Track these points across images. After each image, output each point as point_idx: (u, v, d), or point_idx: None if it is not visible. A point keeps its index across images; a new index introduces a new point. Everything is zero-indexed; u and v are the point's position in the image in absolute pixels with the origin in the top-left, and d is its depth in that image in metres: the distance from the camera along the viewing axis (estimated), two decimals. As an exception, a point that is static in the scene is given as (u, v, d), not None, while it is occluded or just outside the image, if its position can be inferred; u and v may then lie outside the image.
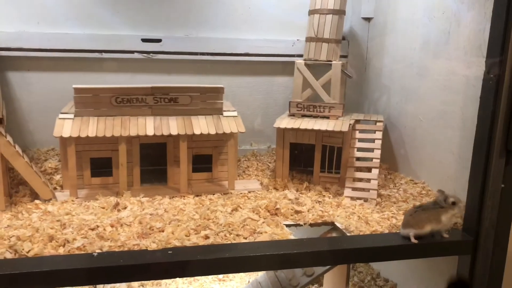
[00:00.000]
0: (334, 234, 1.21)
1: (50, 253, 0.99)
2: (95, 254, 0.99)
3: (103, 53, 1.63)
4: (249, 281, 1.56)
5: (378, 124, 1.56)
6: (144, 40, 1.65)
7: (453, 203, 1.12)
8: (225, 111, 1.49)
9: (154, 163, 1.48)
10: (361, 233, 1.15)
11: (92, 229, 1.10)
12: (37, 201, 1.27)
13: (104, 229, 1.11)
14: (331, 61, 1.59)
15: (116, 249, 1.02)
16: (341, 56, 1.71)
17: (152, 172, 1.48)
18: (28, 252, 0.99)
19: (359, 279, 1.71)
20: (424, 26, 1.46)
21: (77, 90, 1.36)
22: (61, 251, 1.01)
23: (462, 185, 1.21)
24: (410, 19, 1.54)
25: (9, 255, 0.98)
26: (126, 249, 1.02)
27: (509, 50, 1.03)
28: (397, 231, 1.16)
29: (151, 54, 1.67)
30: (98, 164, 1.41)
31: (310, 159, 1.54)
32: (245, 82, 1.81)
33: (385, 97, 1.72)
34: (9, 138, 1.26)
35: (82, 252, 1.00)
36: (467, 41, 1.25)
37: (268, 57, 1.78)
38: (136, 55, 1.66)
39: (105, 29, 1.62)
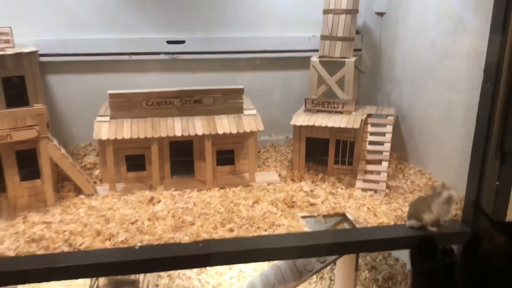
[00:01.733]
0: (345, 224, 1.35)
1: (98, 247, 1.16)
2: (137, 247, 1.15)
3: (132, 56, 1.77)
4: (269, 264, 1.73)
5: (389, 118, 1.67)
6: (169, 42, 1.78)
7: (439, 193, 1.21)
8: (245, 109, 1.62)
9: (182, 155, 1.63)
10: (369, 225, 1.29)
11: (132, 223, 1.27)
12: (81, 196, 1.45)
13: (143, 223, 1.27)
14: (344, 58, 1.69)
15: (154, 242, 1.18)
16: (355, 50, 1.80)
17: (181, 163, 1.63)
18: (80, 246, 1.17)
19: (371, 258, 1.85)
20: (432, 26, 1.54)
21: (111, 95, 1.51)
22: (107, 244, 1.18)
23: (465, 179, 1.33)
24: (420, 18, 1.62)
25: (65, 248, 1.15)
26: (162, 242, 1.18)
27: (504, 61, 1.13)
28: (402, 223, 1.29)
29: (175, 54, 1.80)
30: (132, 160, 1.57)
31: (325, 150, 1.67)
32: (264, 77, 1.93)
33: (397, 90, 1.81)
34: (55, 142, 1.43)
35: (126, 246, 1.16)
36: (471, 45, 1.33)
37: (285, 53, 1.89)
38: (162, 56, 1.79)
39: (133, 34, 1.75)
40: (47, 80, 1.75)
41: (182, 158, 1.63)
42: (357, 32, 1.90)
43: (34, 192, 1.46)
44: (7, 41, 1.38)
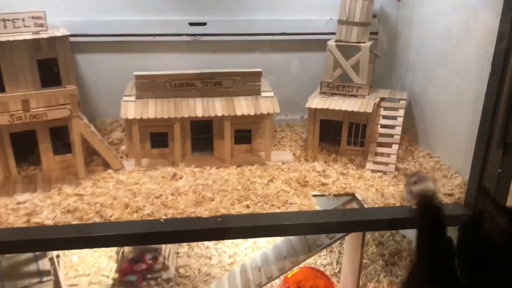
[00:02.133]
0: (354, 204, 1.44)
1: (127, 219, 1.28)
2: (162, 220, 1.27)
3: (156, 36, 1.85)
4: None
5: (401, 102, 1.73)
6: (191, 24, 1.85)
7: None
8: (262, 91, 1.69)
9: (202, 132, 1.72)
10: (376, 205, 1.38)
11: (157, 197, 1.38)
12: (109, 171, 1.56)
13: (166, 198, 1.38)
14: (360, 42, 1.74)
15: (177, 216, 1.29)
16: (372, 33, 1.85)
17: (201, 140, 1.73)
18: (110, 217, 1.29)
19: (379, 234, 1.95)
20: (447, 14, 1.58)
21: (137, 77, 1.60)
22: (135, 216, 1.30)
23: (470, 164, 1.40)
24: (435, 5, 1.66)
25: (97, 219, 1.27)
26: (185, 215, 1.30)
27: (511, 55, 1.18)
28: (407, 204, 1.38)
29: (197, 36, 1.87)
30: (156, 137, 1.67)
31: (339, 131, 1.74)
32: (282, 58, 1.99)
33: (411, 74, 1.87)
34: (85, 119, 1.54)
35: (152, 218, 1.28)
36: (482, 36, 1.38)
37: (303, 35, 1.94)
38: (184, 38, 1.86)
39: (157, 15, 1.83)
40: (75, 59, 1.85)
41: (202, 135, 1.73)
42: (374, 16, 1.94)
43: (66, 165, 1.59)
44: (41, 25, 1.47)
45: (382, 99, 1.74)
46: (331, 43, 1.77)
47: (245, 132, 1.73)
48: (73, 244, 1.22)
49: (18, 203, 1.35)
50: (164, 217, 1.28)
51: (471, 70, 1.45)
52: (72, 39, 1.75)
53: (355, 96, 1.73)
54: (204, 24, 1.86)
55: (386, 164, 1.61)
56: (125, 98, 1.61)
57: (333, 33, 1.83)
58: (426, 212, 1.14)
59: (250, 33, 1.90)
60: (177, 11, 1.84)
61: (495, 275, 0.91)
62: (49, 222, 1.25)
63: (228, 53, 1.94)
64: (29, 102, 1.41)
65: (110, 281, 1.66)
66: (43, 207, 1.32)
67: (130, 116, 1.55)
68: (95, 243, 1.22)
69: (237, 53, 1.94)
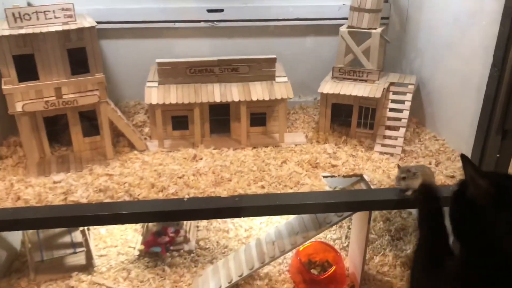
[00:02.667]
0: (361, 184, 1.55)
1: (153, 197, 1.41)
2: (185, 199, 1.40)
3: (175, 23, 1.94)
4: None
5: (409, 87, 1.81)
6: (208, 11, 1.93)
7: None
8: (277, 77, 1.79)
9: (220, 114, 1.82)
10: (382, 187, 1.49)
11: (180, 177, 1.51)
12: (135, 152, 1.69)
13: (188, 178, 1.50)
14: (371, 29, 1.81)
15: (199, 195, 1.41)
16: (383, 18, 1.92)
17: (219, 121, 1.83)
18: (138, 196, 1.42)
19: (386, 211, 2.07)
20: (455, 3, 1.64)
21: (159, 64, 1.70)
22: (160, 195, 1.42)
23: (472, 148, 1.50)
24: (445, -8, 1.72)
25: (126, 198, 1.41)
26: (205, 195, 1.42)
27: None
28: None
29: (214, 22, 1.96)
30: (177, 120, 1.78)
31: (350, 114, 1.83)
32: (295, 42, 2.07)
33: (420, 58, 1.93)
34: (112, 105, 1.66)
35: (176, 197, 1.41)
36: (487, 27, 1.44)
37: (316, 21, 2.02)
38: (202, 24, 1.95)
39: (176, 3, 1.91)
40: (100, 45, 1.95)
41: (220, 116, 1.83)
42: (386, 1, 2.00)
43: (94, 146, 1.71)
44: (70, 16, 1.57)
45: (392, 84, 1.82)
46: (343, 29, 1.84)
47: (260, 115, 1.83)
48: (106, 221, 1.36)
49: (54, 182, 1.49)
50: (187, 196, 1.41)
51: (476, 59, 1.52)
52: (97, 26, 1.87)
53: (365, 81, 1.81)
54: (221, 10, 1.94)
55: (394, 146, 1.71)
56: (148, 84, 1.72)
57: (346, 18, 1.90)
58: (425, 202, 1.23)
59: (265, 19, 1.98)
60: (195, -2, 1.93)
61: (481, 236, 0.99)
62: (84, 200, 1.38)
63: (244, 38, 2.03)
64: (61, 90, 1.53)
65: (137, 252, 1.81)
66: (77, 186, 1.45)
67: (154, 102, 1.66)
68: (126, 220, 1.36)
69: (253, 37, 2.03)
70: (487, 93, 1.34)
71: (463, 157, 1.00)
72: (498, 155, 1.37)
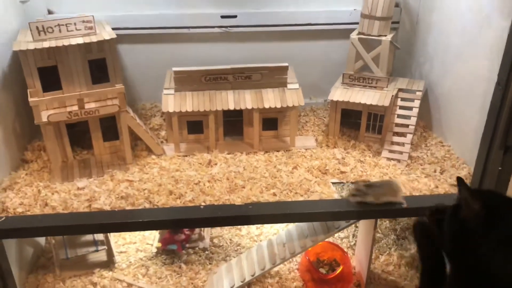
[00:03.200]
0: (369, 191, 1.63)
1: (172, 204, 1.50)
2: (202, 206, 1.48)
3: (190, 29, 2.00)
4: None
5: (417, 93, 1.86)
6: (222, 17, 1.99)
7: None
8: (289, 83, 1.85)
9: (233, 116, 1.90)
10: (388, 194, 1.56)
11: (196, 184, 1.59)
12: (153, 156, 1.77)
13: (204, 184, 1.59)
14: (381, 36, 1.86)
15: (214, 202, 1.50)
16: (393, 22, 1.96)
17: (232, 123, 1.90)
18: (157, 203, 1.51)
19: (393, 210, 2.14)
20: (462, 15, 1.68)
21: (176, 72, 1.77)
22: (178, 202, 1.51)
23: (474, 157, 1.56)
24: (453, 4, 1.74)
25: (147, 205, 1.50)
26: (221, 202, 1.50)
27: (517, 67, 1.30)
28: (416, 194, 1.56)
29: (228, 27, 2.01)
30: (192, 124, 1.86)
31: (359, 115, 1.89)
32: (307, 46, 2.12)
33: (429, 64, 1.98)
34: (131, 113, 1.74)
35: (192, 204, 1.50)
36: (494, 41, 1.48)
37: (328, 25, 2.06)
38: (216, 29, 2.01)
39: (191, 9, 1.97)
40: (117, 50, 2.02)
41: (233, 118, 1.90)
42: (397, 5, 2.04)
43: (114, 150, 1.80)
44: (90, 28, 1.63)
45: (400, 90, 1.88)
46: (354, 36, 1.88)
47: (272, 119, 1.90)
48: (129, 228, 1.46)
49: (78, 188, 1.58)
50: (203, 204, 1.50)
51: (482, 70, 1.56)
52: (114, 31, 1.94)
53: (375, 87, 1.87)
54: (234, 16, 1.99)
55: (400, 152, 1.77)
56: (165, 92, 1.80)
57: (356, 23, 1.94)
58: (421, 240, 1.29)
59: (277, 24, 2.03)
60: (209, 5, 1.98)
61: (470, 256, 1.06)
62: (107, 208, 1.48)
63: (257, 43, 2.08)
64: (83, 101, 1.61)
65: (154, 249, 1.92)
66: (100, 193, 1.55)
67: (171, 110, 1.74)
68: (147, 227, 1.46)
69: (265, 42, 2.08)
70: (491, 110, 1.39)
71: (459, 179, 1.08)
72: (500, 168, 1.43)
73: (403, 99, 1.86)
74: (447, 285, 1.09)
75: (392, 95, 1.82)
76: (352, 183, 1.55)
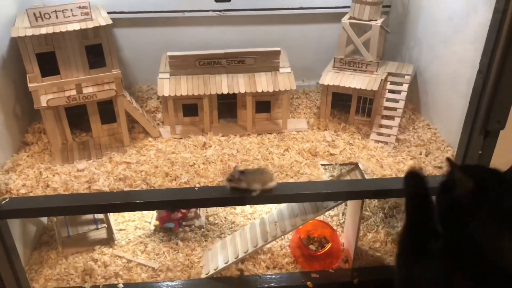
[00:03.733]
0: (356, 172, 1.70)
1: (168, 186, 1.57)
2: (196, 188, 1.56)
3: (185, 13, 2.03)
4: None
5: (406, 77, 1.91)
6: (216, 1, 2.02)
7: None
8: (281, 67, 1.90)
9: (227, 98, 1.94)
10: (374, 176, 1.64)
11: (191, 166, 1.66)
12: (150, 139, 1.84)
13: (199, 166, 1.66)
14: (372, 20, 1.90)
15: (208, 184, 1.58)
16: (385, 6, 2.00)
17: (226, 105, 1.96)
18: (154, 184, 1.58)
19: (382, 189, 2.22)
20: (450, 2, 1.72)
21: (171, 57, 1.82)
22: (174, 184, 1.58)
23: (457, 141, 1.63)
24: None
25: (144, 187, 1.57)
26: (214, 184, 1.58)
27: (496, 53, 1.35)
28: (401, 176, 1.63)
29: (222, 11, 2.05)
30: (187, 107, 1.92)
31: (350, 98, 1.94)
32: (300, 29, 2.16)
33: (418, 48, 2.02)
34: (128, 97, 1.79)
35: (188, 186, 1.57)
36: (479, 28, 1.53)
37: (320, 9, 2.09)
38: (210, 13, 2.05)
39: (186, -7, 2.00)
40: (114, 33, 2.06)
41: (227, 100, 1.96)
42: (388, -11, 2.07)
43: (112, 132, 1.86)
44: (86, 13, 1.67)
45: (390, 74, 1.93)
46: (345, 20, 1.92)
47: (265, 102, 1.95)
48: (127, 208, 1.53)
49: (78, 170, 1.65)
50: (198, 185, 1.57)
51: (466, 58, 1.61)
52: (111, 15, 1.97)
53: (365, 71, 1.92)
54: (228, 0, 2.02)
55: (388, 135, 1.84)
56: (160, 76, 1.85)
57: (348, 7, 1.98)
58: (412, 186, 1.35)
59: (271, 8, 2.06)
60: (204, -11, 2.01)
61: (464, 230, 1.14)
62: (106, 189, 1.55)
63: (250, 26, 2.12)
64: (81, 86, 1.67)
65: (152, 227, 2.00)
66: (99, 174, 1.62)
67: (166, 94, 1.79)
68: (145, 207, 1.54)
69: (259, 25, 2.12)
70: (472, 96, 1.45)
71: (448, 160, 1.15)
72: (480, 152, 1.50)
73: (392, 83, 1.91)
74: (439, 251, 1.16)
75: (382, 79, 1.87)
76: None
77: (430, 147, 1.78)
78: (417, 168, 1.41)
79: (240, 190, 1.50)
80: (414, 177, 1.37)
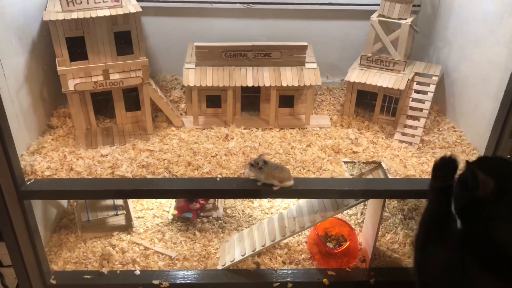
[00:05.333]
0: (379, 171, 1.68)
1: (190, 175, 1.58)
2: (218, 179, 1.56)
3: (213, 4, 2.03)
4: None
5: (433, 78, 1.89)
6: (244, -7, 2.02)
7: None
8: (307, 62, 1.88)
9: (251, 91, 1.94)
10: (398, 176, 1.61)
11: (213, 157, 1.66)
12: (173, 128, 1.84)
13: (221, 157, 1.66)
14: (401, 19, 1.87)
15: (230, 175, 1.58)
16: (415, 6, 1.97)
17: (249, 98, 1.95)
18: (176, 173, 1.59)
19: (402, 190, 2.20)
20: (485, 1, 1.68)
21: (198, 47, 1.82)
22: (196, 173, 1.59)
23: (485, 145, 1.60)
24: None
25: (166, 175, 1.58)
26: (236, 175, 1.58)
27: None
28: (426, 177, 1.61)
29: (250, 4, 2.04)
30: (211, 98, 1.92)
31: (375, 96, 1.92)
32: (326, 25, 2.14)
33: (447, 49, 1.99)
34: (153, 85, 1.80)
35: (210, 176, 1.57)
36: (512, 32, 1.51)
37: (348, 6, 2.07)
38: (238, 5, 2.04)
39: (214, -15, 2.00)
40: (143, 21, 2.06)
41: (250, 93, 1.95)
42: (418, -12, 2.04)
43: (135, 120, 1.87)
44: (117, 0, 1.68)
45: (416, 74, 1.90)
46: (374, 18, 1.90)
47: (289, 97, 1.94)
48: (149, 195, 1.54)
49: (101, 155, 1.66)
50: (220, 176, 1.57)
51: (499, 60, 1.59)
52: (140, 4, 1.98)
53: (392, 70, 1.89)
54: (256, -7, 2.02)
55: (413, 136, 1.82)
56: (186, 66, 1.85)
57: (377, 4, 1.95)
58: (442, 173, 1.34)
59: (299, 3, 2.05)
60: (233, -19, 2.01)
61: (481, 226, 1.13)
62: (129, 175, 1.56)
63: (277, 20, 2.11)
64: (108, 72, 1.68)
65: (170, 216, 2.01)
66: (123, 161, 1.63)
67: (191, 84, 1.79)
68: (166, 195, 1.55)
69: (286, 20, 2.11)
70: (504, 98, 1.43)
71: (467, 162, 1.15)
72: (508, 156, 1.47)
73: (419, 83, 1.89)
74: (455, 236, 1.19)
75: (408, 79, 1.84)
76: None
77: (455, 150, 1.76)
78: (449, 157, 1.38)
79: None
80: (444, 167, 1.35)
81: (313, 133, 1.85)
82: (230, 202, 2.12)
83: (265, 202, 2.14)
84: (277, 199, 2.13)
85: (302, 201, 1.87)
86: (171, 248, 1.87)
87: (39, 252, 1.61)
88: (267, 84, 1.81)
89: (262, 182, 1.51)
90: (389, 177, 1.61)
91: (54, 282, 1.70)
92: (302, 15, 2.10)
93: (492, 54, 1.64)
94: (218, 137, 1.80)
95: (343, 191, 1.54)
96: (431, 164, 1.64)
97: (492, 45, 1.64)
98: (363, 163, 1.71)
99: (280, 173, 1.51)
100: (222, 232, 1.96)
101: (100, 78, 1.71)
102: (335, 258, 1.84)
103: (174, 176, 1.57)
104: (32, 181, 1.51)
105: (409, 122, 1.85)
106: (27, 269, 1.61)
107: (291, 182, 1.53)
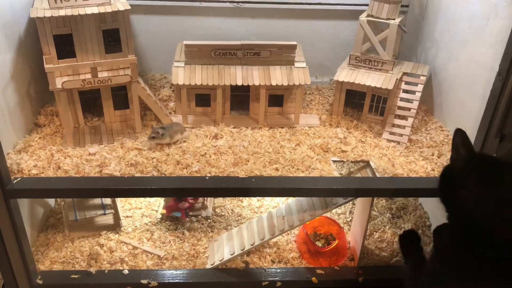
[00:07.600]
0: (367, 170, 1.69)
1: (179, 174, 1.57)
2: (207, 177, 1.55)
3: (202, 2, 2.03)
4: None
5: (421, 78, 1.90)
6: (234, -8, 2.02)
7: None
8: (296, 61, 1.89)
9: (240, 90, 1.94)
10: (385, 175, 1.63)
11: (202, 155, 1.66)
12: (161, 127, 1.84)
13: (210, 156, 1.66)
14: (390, 19, 1.88)
15: (219, 174, 1.57)
16: (403, 6, 1.99)
17: (238, 97, 1.95)
18: (165, 171, 1.58)
19: (390, 189, 2.21)
20: (472, 3, 1.70)
21: (187, 46, 1.81)
22: (185, 172, 1.58)
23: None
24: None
25: (155, 174, 1.57)
26: (225, 174, 1.57)
27: (518, 59, 1.34)
28: (413, 176, 1.62)
29: (239, 3, 2.04)
30: (200, 97, 1.91)
31: (363, 96, 1.94)
32: (316, 25, 2.15)
33: (434, 49, 2.01)
34: (142, 83, 1.79)
35: (199, 175, 1.56)
36: (499, 32, 1.52)
37: (338, 6, 2.08)
38: (227, 4, 2.04)
39: (204, -16, 2.00)
40: (131, 19, 2.05)
41: (240, 92, 1.95)
42: (406, -12, 2.06)
43: (124, 119, 1.86)
44: (105, -3, 1.67)
45: (405, 73, 1.92)
46: (363, 18, 1.91)
47: (278, 96, 1.95)
48: (138, 194, 1.53)
49: (89, 154, 1.65)
50: (209, 175, 1.56)
51: (485, 60, 1.60)
52: (129, 2, 1.96)
53: (380, 70, 1.91)
54: (246, -8, 2.02)
55: (401, 135, 1.83)
56: (175, 64, 1.84)
57: (366, 4, 1.97)
58: (407, 245, 1.47)
59: (288, 2, 2.06)
60: (222, -20, 2.00)
61: (456, 199, 1.17)
62: (117, 174, 1.55)
63: (267, 19, 2.11)
64: (97, 70, 1.66)
65: (159, 216, 2.00)
66: (111, 159, 1.61)
67: (180, 82, 1.79)
68: (155, 194, 1.53)
69: (275, 19, 2.11)
70: (490, 98, 1.44)
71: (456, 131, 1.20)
72: (494, 155, 1.49)
73: (407, 83, 1.90)
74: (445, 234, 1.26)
75: (397, 79, 1.86)
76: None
77: (443, 149, 1.77)
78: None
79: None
80: (408, 235, 1.51)
81: (302, 132, 1.86)
82: (219, 201, 2.12)
83: (254, 201, 2.14)
84: (266, 198, 2.14)
85: (291, 200, 1.87)
86: (159, 247, 1.86)
87: (25, 251, 1.59)
88: (257, 83, 1.81)
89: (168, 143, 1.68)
90: (377, 176, 1.62)
91: (40, 282, 1.68)
92: (292, 15, 2.10)
93: (479, 55, 1.66)
94: (207, 136, 1.79)
95: (332, 190, 1.55)
96: (419, 163, 1.67)
97: (479, 45, 1.66)
98: (352, 162, 1.72)
99: (177, 127, 1.72)
100: (211, 231, 1.95)
101: (88, 76, 1.69)
102: (324, 256, 1.85)
103: (163, 175, 1.56)
104: (18, 179, 1.49)
105: (397, 121, 1.86)
106: (13, 269, 1.59)
107: (187, 133, 1.76)
